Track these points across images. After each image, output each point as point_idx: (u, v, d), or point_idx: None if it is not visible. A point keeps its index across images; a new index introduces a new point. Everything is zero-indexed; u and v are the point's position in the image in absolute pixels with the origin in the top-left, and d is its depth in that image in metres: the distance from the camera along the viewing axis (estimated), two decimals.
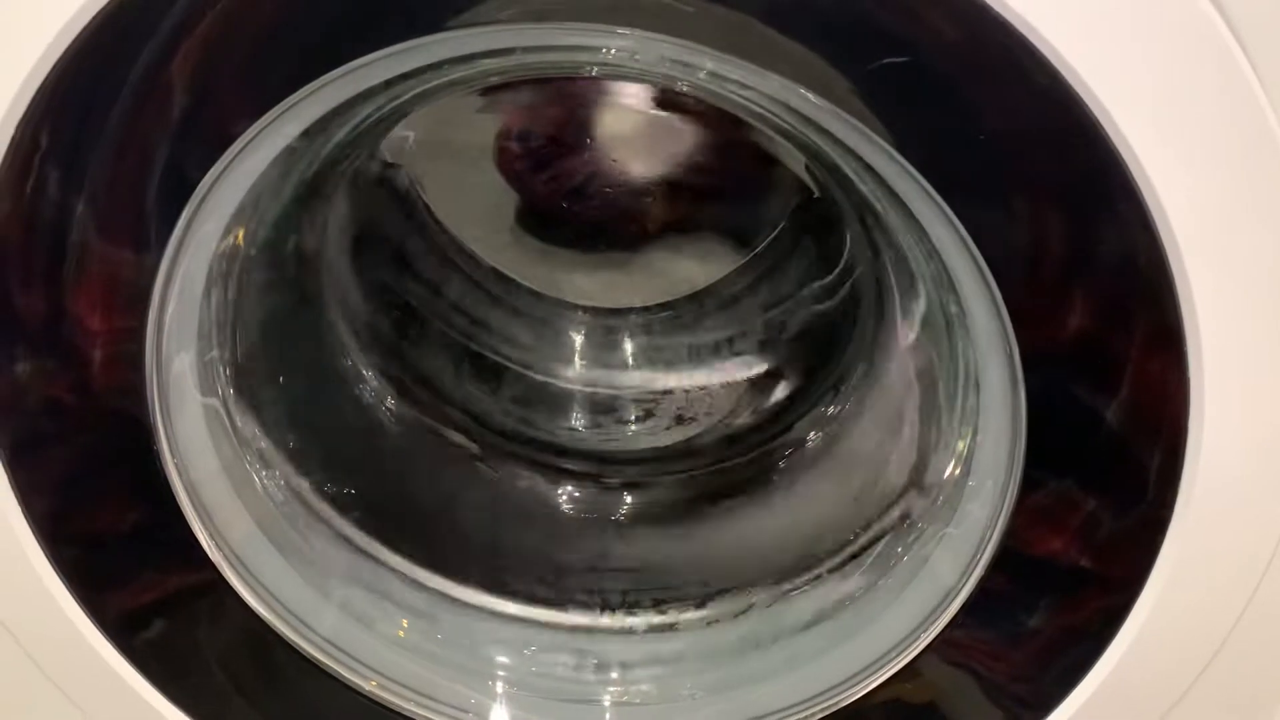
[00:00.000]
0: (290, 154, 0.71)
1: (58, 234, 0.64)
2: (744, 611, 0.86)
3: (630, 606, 0.88)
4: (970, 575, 0.70)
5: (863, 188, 0.77)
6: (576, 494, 0.98)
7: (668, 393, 1.06)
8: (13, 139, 0.61)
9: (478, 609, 0.88)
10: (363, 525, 0.87)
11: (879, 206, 0.77)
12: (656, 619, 0.88)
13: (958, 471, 0.75)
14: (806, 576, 0.85)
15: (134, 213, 0.64)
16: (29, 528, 0.70)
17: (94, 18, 0.57)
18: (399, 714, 0.80)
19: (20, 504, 0.70)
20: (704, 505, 0.98)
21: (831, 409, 0.96)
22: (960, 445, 0.74)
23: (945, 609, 0.71)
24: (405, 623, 0.85)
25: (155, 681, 0.76)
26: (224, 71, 0.60)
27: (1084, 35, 0.53)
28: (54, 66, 0.59)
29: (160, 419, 0.71)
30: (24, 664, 0.74)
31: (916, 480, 0.81)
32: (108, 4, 0.57)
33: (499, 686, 0.84)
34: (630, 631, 0.88)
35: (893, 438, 0.87)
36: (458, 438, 0.98)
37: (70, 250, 0.64)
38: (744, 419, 1.03)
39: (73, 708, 0.76)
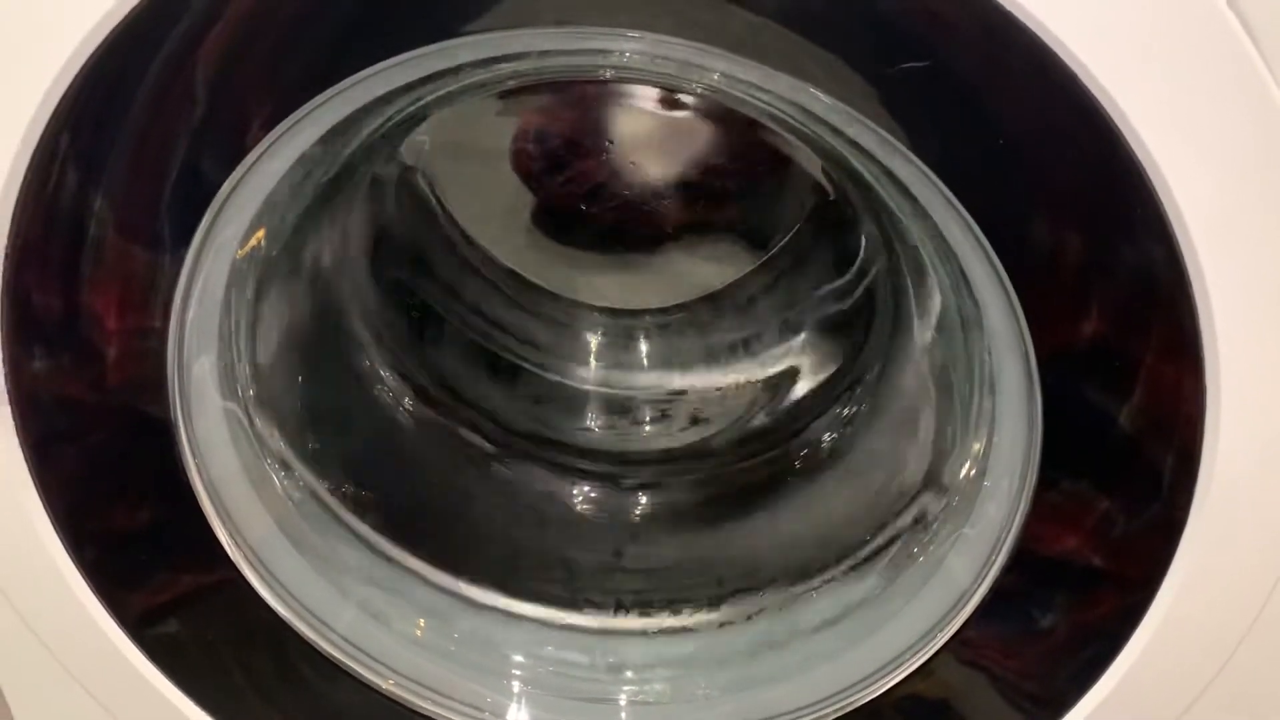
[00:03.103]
0: (310, 158, 0.71)
1: (77, 233, 0.64)
2: (759, 612, 0.86)
3: (645, 607, 0.89)
4: (985, 575, 0.70)
5: (879, 190, 0.77)
6: (592, 494, 0.98)
7: (683, 394, 1.07)
8: (36, 141, 0.61)
9: (494, 609, 0.88)
10: (380, 525, 0.87)
11: (895, 209, 0.77)
12: (671, 620, 0.88)
13: (973, 472, 0.75)
14: (822, 577, 0.85)
15: (153, 215, 0.64)
16: (51, 524, 0.71)
17: (119, 21, 0.58)
18: (416, 713, 0.80)
19: (43, 501, 0.70)
20: (719, 506, 0.98)
21: (847, 410, 0.96)
22: (976, 446, 0.75)
23: (960, 609, 0.71)
24: (422, 622, 0.85)
25: (174, 678, 0.76)
26: (243, 77, 0.61)
27: (1105, 42, 0.53)
28: (78, 69, 0.59)
29: (181, 420, 0.71)
30: (45, 660, 0.75)
31: (932, 481, 0.81)
32: (131, 10, 0.58)
33: (515, 685, 0.84)
34: (645, 632, 0.88)
35: (908, 438, 0.87)
36: (474, 438, 0.98)
37: (89, 249, 0.65)
38: (759, 420, 1.03)
39: (92, 703, 0.77)
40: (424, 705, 0.81)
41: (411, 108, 0.79)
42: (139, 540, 0.74)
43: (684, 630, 0.88)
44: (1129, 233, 0.57)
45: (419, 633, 0.84)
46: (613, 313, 1.08)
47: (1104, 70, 0.53)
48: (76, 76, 0.59)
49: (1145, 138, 0.54)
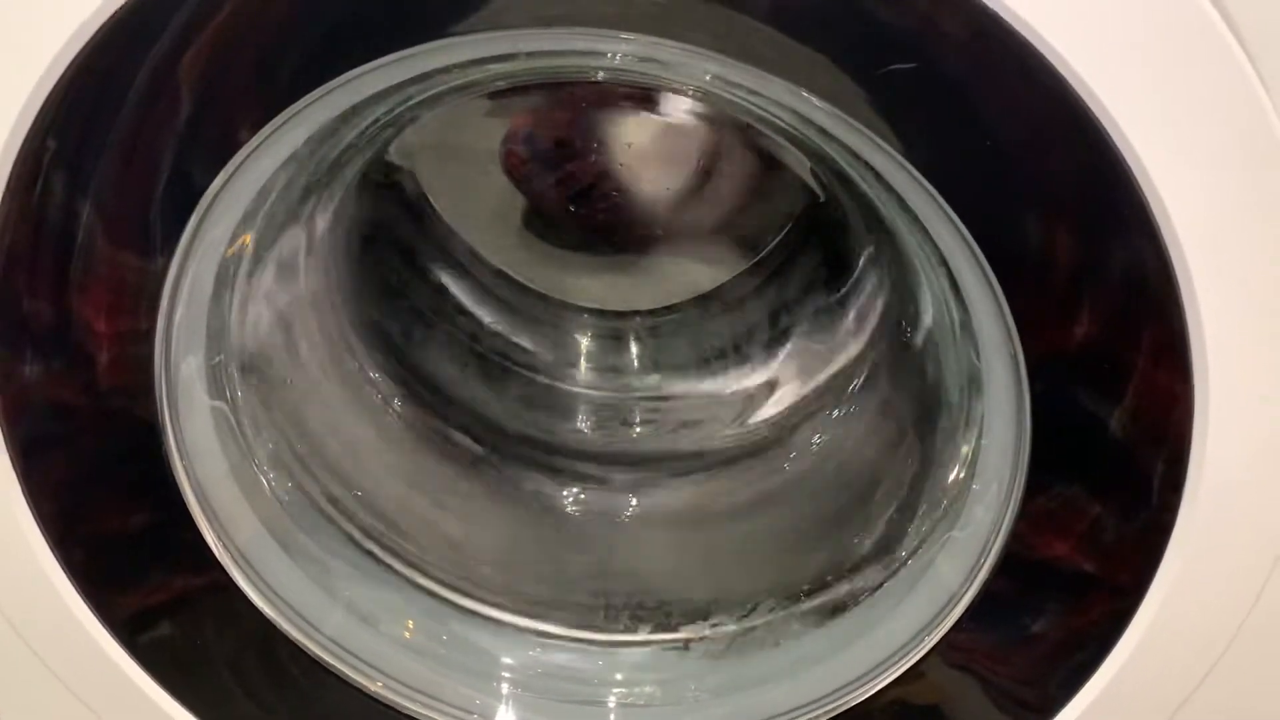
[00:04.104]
0: (298, 158, 0.71)
1: (65, 237, 0.64)
2: (748, 614, 0.86)
3: (635, 608, 0.88)
4: (974, 579, 0.70)
5: (869, 192, 0.77)
6: (582, 496, 0.98)
7: (673, 396, 1.07)
8: (22, 143, 0.61)
9: (483, 610, 0.88)
10: (369, 527, 0.87)
11: (885, 211, 0.77)
12: (661, 621, 0.88)
13: (962, 475, 0.75)
14: (811, 580, 0.85)
15: (140, 217, 0.64)
16: (38, 528, 0.70)
17: (104, 24, 0.58)
18: (405, 715, 0.80)
19: (30, 505, 0.70)
20: (709, 508, 0.98)
21: (836, 412, 0.96)
22: (965, 449, 0.75)
23: (949, 612, 0.71)
24: (411, 624, 0.85)
25: (163, 682, 0.76)
26: (231, 77, 0.61)
27: (1092, 44, 0.53)
28: (64, 72, 0.59)
29: (169, 421, 0.71)
30: (32, 664, 0.75)
31: (921, 484, 0.81)
32: (117, 10, 0.58)
33: (504, 688, 0.84)
34: (635, 634, 0.88)
35: (898, 441, 0.87)
36: (463, 439, 0.98)
37: (77, 253, 0.64)
38: (749, 423, 1.03)
39: (81, 707, 0.76)
40: (412, 707, 0.80)
41: (400, 108, 0.79)
42: (127, 543, 0.74)
43: (674, 632, 0.88)
44: (1118, 235, 0.57)
45: (408, 634, 0.84)
46: (602, 314, 1.08)
47: (1092, 72, 0.53)
48: (62, 78, 0.59)
49: (1133, 140, 0.54)
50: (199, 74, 0.60)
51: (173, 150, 0.62)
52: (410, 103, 0.78)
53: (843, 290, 1.01)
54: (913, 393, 0.87)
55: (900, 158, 0.59)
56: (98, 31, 0.58)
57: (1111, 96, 0.54)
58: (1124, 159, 0.54)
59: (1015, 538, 0.67)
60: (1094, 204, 0.57)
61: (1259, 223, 0.56)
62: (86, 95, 0.60)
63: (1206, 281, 0.56)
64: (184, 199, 0.64)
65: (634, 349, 1.09)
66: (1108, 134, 0.54)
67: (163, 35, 0.58)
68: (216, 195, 0.65)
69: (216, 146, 0.63)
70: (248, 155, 0.64)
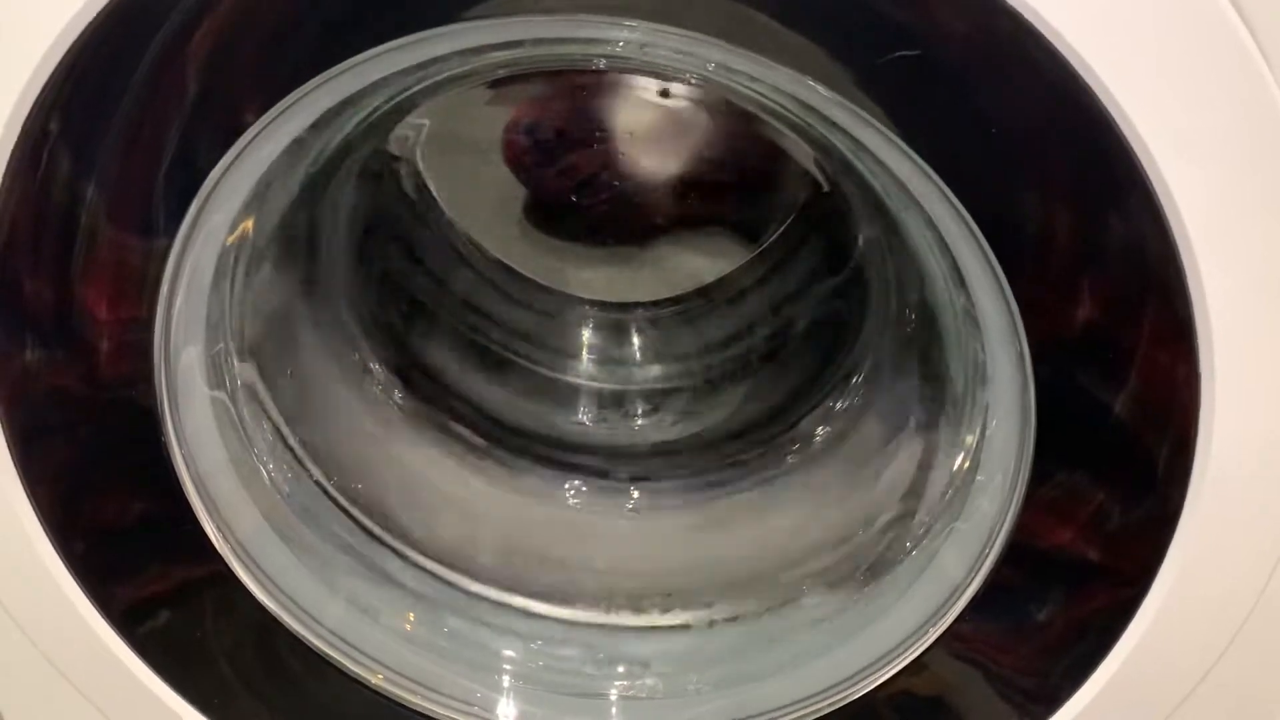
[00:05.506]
0: (300, 145, 0.71)
1: (67, 221, 0.64)
2: (751, 607, 0.86)
3: (637, 601, 0.88)
4: (979, 569, 0.70)
5: (872, 181, 0.77)
6: (583, 488, 0.98)
7: (675, 388, 1.07)
8: (24, 124, 0.61)
9: (485, 603, 0.88)
10: (369, 518, 0.87)
11: (888, 200, 0.77)
12: (663, 613, 0.88)
13: (966, 465, 0.75)
14: (814, 571, 0.85)
15: (143, 202, 0.64)
16: (36, 517, 0.70)
17: (107, 4, 0.58)
18: (405, 707, 0.80)
19: (28, 493, 0.70)
20: (711, 500, 0.97)
21: (839, 404, 0.96)
22: (969, 439, 0.74)
23: (953, 603, 0.71)
24: (412, 616, 0.85)
25: (161, 673, 0.76)
26: (235, 62, 0.61)
27: (1095, 27, 0.53)
28: (66, 52, 0.59)
29: (169, 411, 0.71)
30: (30, 654, 0.75)
31: (925, 474, 0.80)
32: None
33: (505, 680, 0.84)
34: (637, 626, 0.88)
35: (901, 432, 0.86)
36: (464, 431, 0.98)
37: (79, 238, 0.64)
38: (751, 414, 1.03)
39: (79, 698, 0.76)
40: (413, 700, 0.80)
41: (402, 96, 0.79)
42: (127, 534, 0.74)
43: (676, 625, 0.88)
44: (1122, 220, 0.56)
45: (409, 627, 0.84)
46: (604, 306, 1.08)
47: (1095, 56, 0.53)
48: (65, 58, 0.59)
49: (1137, 124, 0.54)
50: (205, 56, 0.59)
51: (177, 133, 0.62)
52: (412, 90, 0.78)
53: (846, 280, 1.01)
54: (916, 383, 0.86)
55: (902, 144, 0.58)
56: (102, 11, 0.58)
57: (1114, 77, 0.53)
58: (1127, 141, 0.54)
59: (1020, 527, 0.67)
60: (1097, 186, 0.56)
61: (1264, 204, 0.56)
62: (91, 76, 0.60)
63: (1212, 264, 0.56)
64: (187, 182, 0.64)
65: (636, 340, 1.09)
66: (1111, 117, 0.54)
67: (169, 17, 0.58)
68: (219, 180, 0.65)
69: (221, 130, 0.63)
70: (250, 141, 0.64)
